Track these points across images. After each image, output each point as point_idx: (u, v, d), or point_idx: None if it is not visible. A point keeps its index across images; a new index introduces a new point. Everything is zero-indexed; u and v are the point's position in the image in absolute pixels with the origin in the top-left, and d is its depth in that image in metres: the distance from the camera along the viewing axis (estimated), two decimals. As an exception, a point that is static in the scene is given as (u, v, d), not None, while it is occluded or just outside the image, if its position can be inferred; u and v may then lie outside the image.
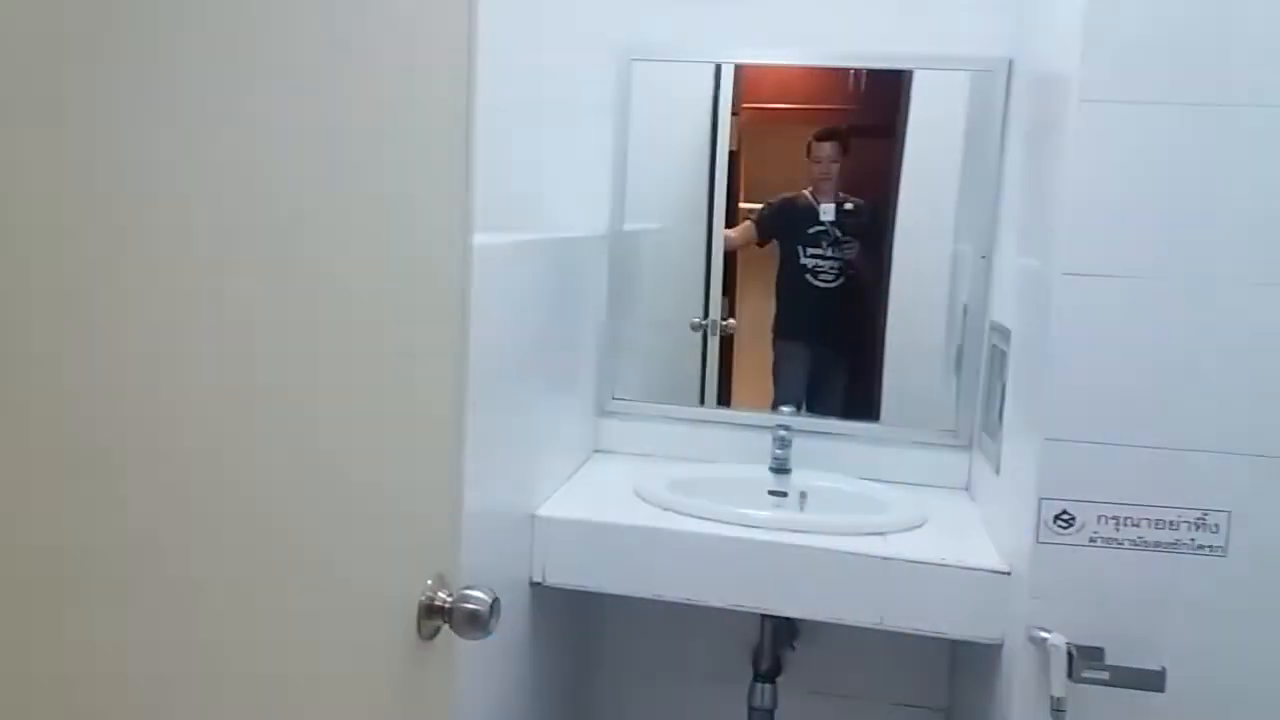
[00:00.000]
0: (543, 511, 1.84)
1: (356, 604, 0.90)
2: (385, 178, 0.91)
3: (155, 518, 0.64)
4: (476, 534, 1.59)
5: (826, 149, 2.18)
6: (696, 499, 1.87)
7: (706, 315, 2.26)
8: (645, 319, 2.31)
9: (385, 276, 0.91)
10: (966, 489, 2.12)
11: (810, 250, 2.21)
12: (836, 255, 2.19)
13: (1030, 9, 1.90)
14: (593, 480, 2.08)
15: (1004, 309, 1.90)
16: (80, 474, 0.58)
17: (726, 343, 2.29)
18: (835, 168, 2.18)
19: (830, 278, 2.21)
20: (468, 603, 0.99)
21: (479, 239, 1.54)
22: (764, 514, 1.82)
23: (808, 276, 2.21)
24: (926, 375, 2.23)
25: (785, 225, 2.23)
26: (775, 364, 2.28)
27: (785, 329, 2.27)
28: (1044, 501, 1.56)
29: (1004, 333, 1.85)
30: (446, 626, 1.01)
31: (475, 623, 0.99)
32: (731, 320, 2.30)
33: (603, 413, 2.26)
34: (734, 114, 2.22)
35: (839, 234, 2.19)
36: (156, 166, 0.62)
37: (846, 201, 2.19)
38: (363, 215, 0.87)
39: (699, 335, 2.29)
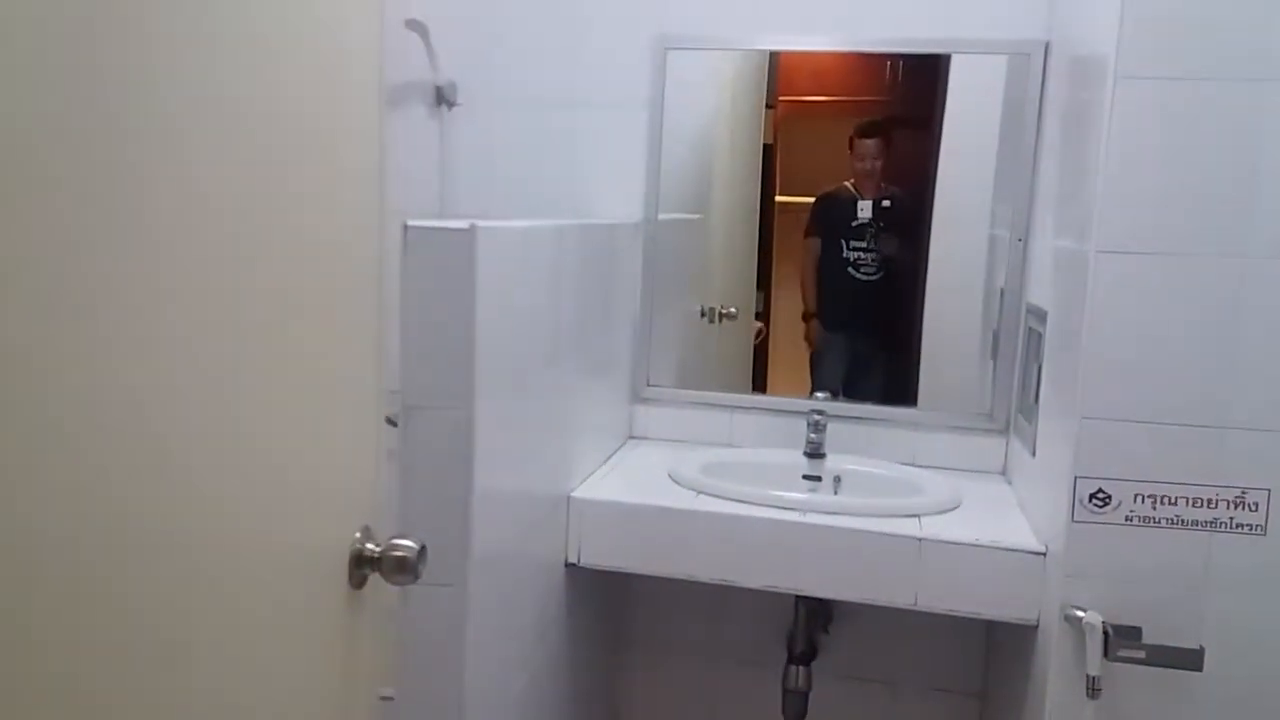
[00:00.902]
0: (578, 493, 1.86)
1: (288, 558, 0.94)
2: (303, 161, 0.94)
3: (87, 482, 0.68)
4: (512, 514, 1.62)
5: (870, 145, 2.19)
6: (730, 482, 1.88)
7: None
8: (680, 307, 2.33)
9: (303, 254, 0.94)
10: (1003, 473, 2.11)
11: (853, 244, 2.22)
12: (877, 248, 2.20)
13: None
14: (627, 464, 2.09)
15: (1040, 291, 1.90)
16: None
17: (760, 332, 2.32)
18: (878, 164, 2.19)
19: (871, 270, 2.22)
20: (396, 550, 1.04)
21: (518, 223, 1.57)
22: (798, 496, 1.83)
23: (850, 270, 2.23)
24: (963, 361, 2.23)
25: (827, 219, 2.25)
26: (814, 354, 2.30)
27: (827, 320, 2.29)
28: (1080, 480, 1.55)
29: (1040, 315, 1.85)
30: (376, 575, 1.05)
31: (403, 568, 1.04)
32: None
33: (638, 399, 2.28)
34: (769, 107, 2.23)
35: (880, 227, 2.20)
36: (62, 148, 0.65)
37: (885, 198, 2.20)
38: (279, 201, 0.90)
39: (734, 323, 2.32)
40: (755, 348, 2.32)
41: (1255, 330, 1.48)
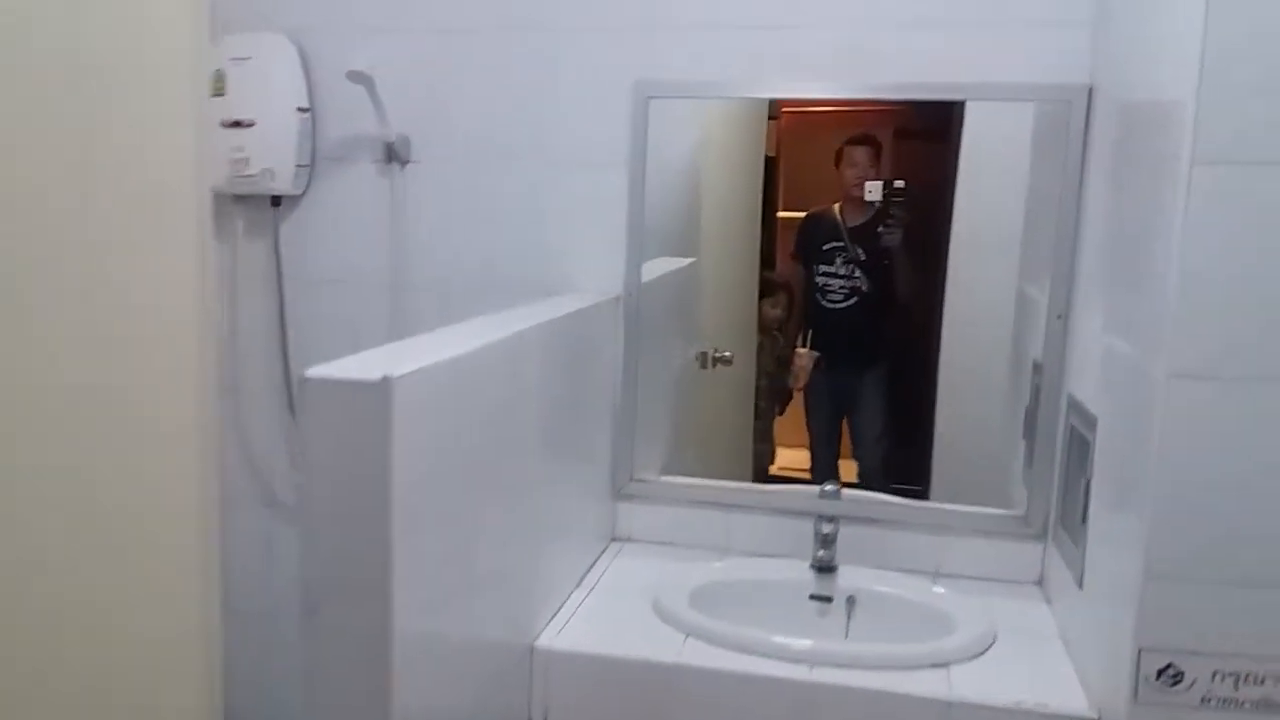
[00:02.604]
0: (543, 642, 1.58)
1: None
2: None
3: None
4: (463, 672, 1.35)
5: (859, 154, 1.92)
6: (725, 620, 1.60)
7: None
8: (672, 362, 2.07)
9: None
10: (1039, 583, 1.83)
11: (822, 268, 1.98)
12: (856, 276, 1.96)
13: (1116, 23, 1.59)
14: (606, 585, 1.81)
15: (1086, 387, 1.60)
16: None
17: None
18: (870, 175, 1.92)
19: (840, 298, 1.98)
20: None
21: (454, 347, 1.29)
22: (803, 645, 1.54)
23: (821, 297, 1.99)
24: (986, 435, 1.96)
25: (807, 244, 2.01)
26: (805, 391, 2.07)
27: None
28: (1145, 653, 1.27)
29: (1088, 418, 1.55)
30: None
31: None
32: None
33: (621, 496, 2.00)
34: (771, 118, 1.98)
35: (867, 250, 1.95)
36: None
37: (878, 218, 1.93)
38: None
39: (729, 369, 2.08)
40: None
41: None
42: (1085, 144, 1.70)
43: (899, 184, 1.91)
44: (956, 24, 1.75)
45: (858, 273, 1.96)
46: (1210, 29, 1.15)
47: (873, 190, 1.91)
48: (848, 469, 2.06)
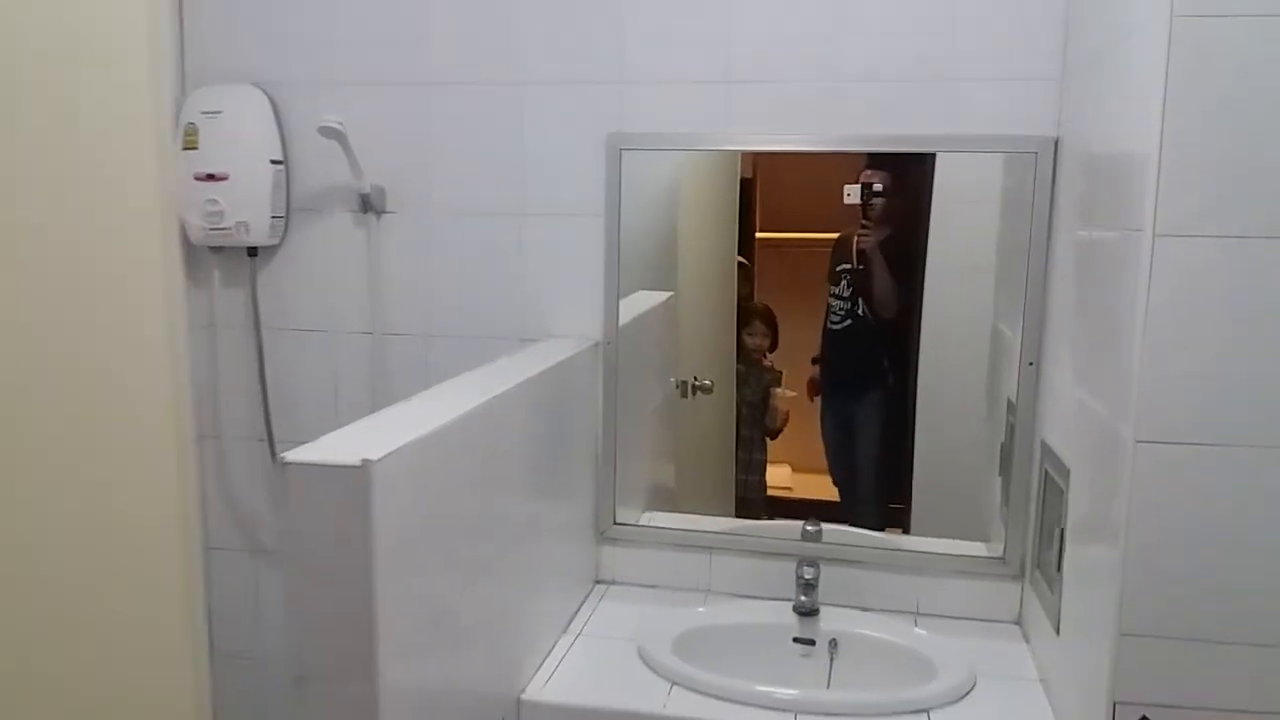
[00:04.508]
0: (530, 695, 1.60)
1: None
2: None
3: None
4: None
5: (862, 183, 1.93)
6: (709, 670, 1.62)
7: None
8: (654, 395, 2.09)
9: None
10: (1017, 623, 1.85)
11: (832, 290, 2.00)
12: (850, 298, 1.98)
13: (1080, 80, 1.62)
14: (591, 632, 1.82)
15: (1058, 435, 1.63)
16: None
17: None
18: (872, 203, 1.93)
19: (838, 319, 2.00)
20: None
21: (434, 419, 1.30)
22: (787, 694, 1.56)
23: (826, 318, 2.00)
24: (964, 468, 1.98)
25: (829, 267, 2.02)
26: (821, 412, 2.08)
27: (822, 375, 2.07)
28: (1120, 706, 1.29)
29: (1060, 467, 1.58)
30: None
31: None
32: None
33: (604, 539, 2.01)
34: None
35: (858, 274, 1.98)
36: None
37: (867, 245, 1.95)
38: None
39: (709, 398, 2.09)
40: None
41: (1331, 535, 1.21)
42: (1053, 193, 1.72)
43: (877, 188, 1.93)
44: (928, 79, 1.77)
45: (858, 296, 1.98)
46: (1170, 93, 1.17)
47: (851, 194, 1.94)
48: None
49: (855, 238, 1.96)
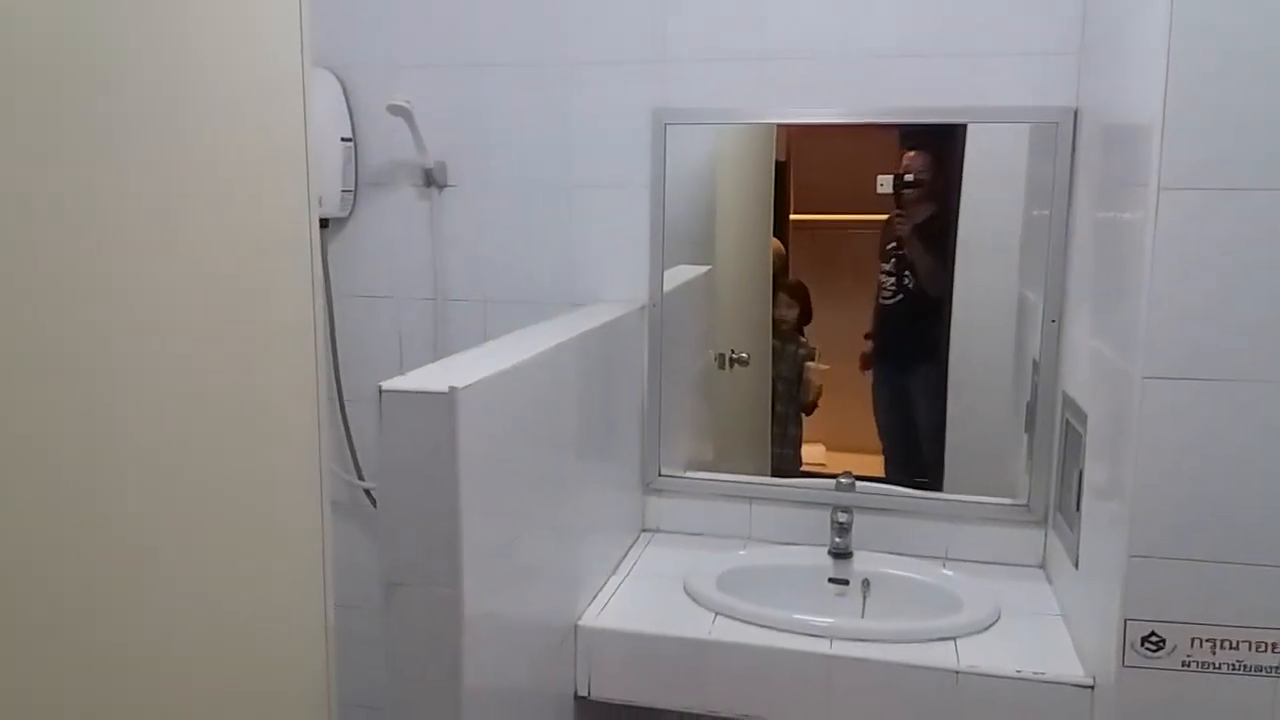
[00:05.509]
0: (586, 621, 1.74)
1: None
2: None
3: None
4: (518, 647, 1.51)
5: (904, 159, 2.04)
6: (750, 600, 1.76)
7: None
8: (694, 366, 2.22)
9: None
10: (1041, 566, 1.97)
11: (882, 267, 2.12)
12: (896, 273, 2.10)
13: (1097, 51, 1.74)
14: (639, 572, 1.97)
15: (1078, 386, 1.75)
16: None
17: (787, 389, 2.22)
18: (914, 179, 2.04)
19: (889, 294, 2.11)
20: None
21: (507, 358, 1.45)
22: (823, 621, 1.70)
23: (878, 294, 2.12)
24: (993, 428, 2.10)
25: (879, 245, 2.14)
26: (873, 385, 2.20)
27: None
28: (1129, 622, 1.41)
29: (1079, 414, 1.70)
30: None
31: None
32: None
33: (650, 490, 2.15)
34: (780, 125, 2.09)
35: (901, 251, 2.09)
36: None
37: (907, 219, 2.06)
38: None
39: (746, 369, 2.21)
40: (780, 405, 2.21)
41: (1324, 462, 1.33)
42: (1073, 162, 1.84)
43: (908, 178, 2.05)
44: (954, 54, 1.89)
45: (905, 271, 2.10)
46: (1173, 59, 1.29)
47: (884, 184, 2.06)
48: (873, 462, 2.18)
49: (894, 223, 2.08)
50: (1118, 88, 1.57)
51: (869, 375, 2.18)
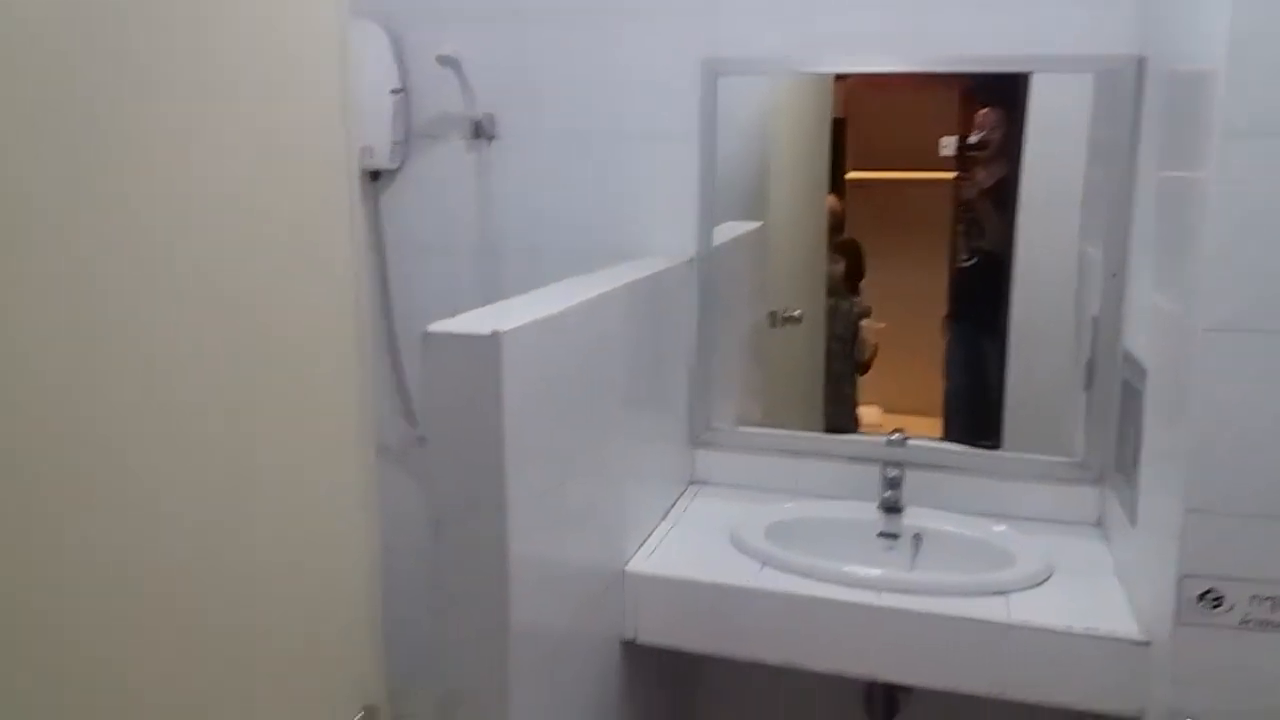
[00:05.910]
0: (633, 567, 1.75)
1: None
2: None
3: None
4: (565, 590, 1.52)
5: (976, 116, 2.00)
6: (798, 551, 1.75)
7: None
8: (744, 322, 2.20)
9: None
10: (1098, 524, 1.94)
11: (960, 229, 2.10)
12: (967, 234, 2.08)
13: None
14: (687, 521, 1.97)
15: (1138, 341, 1.70)
16: None
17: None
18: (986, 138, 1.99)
19: (965, 257, 2.10)
20: None
21: (552, 304, 1.45)
22: (871, 573, 1.69)
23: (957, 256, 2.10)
24: (1052, 387, 2.06)
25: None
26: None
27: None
28: (1186, 579, 1.38)
29: (1139, 370, 1.66)
30: None
31: None
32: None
33: (698, 443, 2.15)
34: (838, 78, 2.07)
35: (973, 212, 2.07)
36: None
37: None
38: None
39: (798, 328, 2.19)
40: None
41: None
42: (1138, 111, 1.78)
43: (972, 139, 2.01)
44: (1016, 1, 1.83)
45: (977, 233, 2.07)
46: (1237, 11, 1.24)
47: (947, 146, 2.02)
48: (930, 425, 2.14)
49: (962, 184, 2.04)
50: (1182, 34, 1.51)
51: (945, 338, 2.15)
